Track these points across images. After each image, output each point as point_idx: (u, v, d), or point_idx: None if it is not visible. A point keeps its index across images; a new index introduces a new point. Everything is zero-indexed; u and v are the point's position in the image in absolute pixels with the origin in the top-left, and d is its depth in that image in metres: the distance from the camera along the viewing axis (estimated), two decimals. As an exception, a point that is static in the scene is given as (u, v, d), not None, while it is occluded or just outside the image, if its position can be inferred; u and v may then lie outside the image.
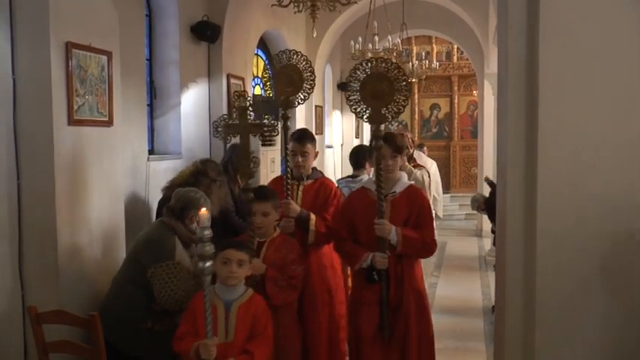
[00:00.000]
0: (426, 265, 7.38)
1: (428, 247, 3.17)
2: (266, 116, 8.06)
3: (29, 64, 3.02)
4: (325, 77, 10.25)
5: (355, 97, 3.01)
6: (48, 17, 2.99)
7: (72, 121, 3.14)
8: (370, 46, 7.49)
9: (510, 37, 2.62)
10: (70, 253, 3.17)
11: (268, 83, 8.27)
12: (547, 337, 2.54)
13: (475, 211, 7.07)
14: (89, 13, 3.33)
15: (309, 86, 3.44)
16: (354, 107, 3.02)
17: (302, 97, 3.46)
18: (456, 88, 13.87)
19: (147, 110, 5.00)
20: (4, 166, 3.00)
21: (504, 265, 2.75)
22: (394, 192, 3.19)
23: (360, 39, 7.58)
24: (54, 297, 3.07)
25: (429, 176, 5.92)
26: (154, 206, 4.68)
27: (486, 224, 8.46)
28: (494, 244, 6.07)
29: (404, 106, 2.95)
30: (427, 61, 9.48)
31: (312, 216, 3.45)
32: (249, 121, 3.00)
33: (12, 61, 3.02)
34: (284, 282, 3.04)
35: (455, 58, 13.76)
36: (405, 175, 3.35)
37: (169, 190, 3.62)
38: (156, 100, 5.34)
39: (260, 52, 7.82)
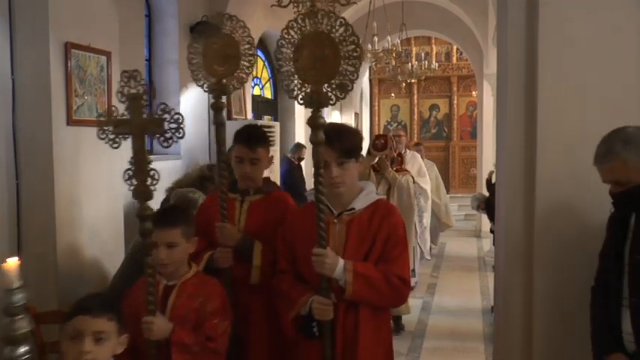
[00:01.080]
0: (426, 265, 7.43)
1: (395, 290, 2.17)
2: (266, 117, 8.08)
3: (29, 64, 3.02)
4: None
5: (288, 68, 2.06)
6: (47, 17, 2.99)
7: (71, 121, 3.14)
8: (370, 46, 7.50)
9: (510, 37, 2.62)
10: (69, 253, 3.17)
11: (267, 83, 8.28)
12: (546, 337, 2.54)
13: (475, 210, 6.88)
14: (88, 14, 3.33)
15: (247, 63, 2.47)
16: (286, 84, 2.08)
17: (239, 77, 2.50)
18: (455, 88, 13.88)
19: (146, 111, 5.00)
20: (4, 166, 3.00)
21: (503, 265, 2.76)
22: (352, 209, 2.25)
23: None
24: (53, 297, 3.07)
25: (414, 181, 5.40)
26: (153, 206, 4.68)
27: (485, 225, 8.47)
28: (494, 244, 6.07)
29: (353, 81, 1.98)
30: (426, 62, 9.49)
31: (258, 245, 2.53)
32: (145, 115, 2.06)
33: (11, 62, 3.02)
34: (198, 347, 2.17)
35: (454, 58, 13.78)
36: (370, 186, 2.38)
37: (173, 191, 3.63)
38: (155, 100, 5.35)
39: (259, 53, 7.82)
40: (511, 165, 2.65)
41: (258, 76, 7.90)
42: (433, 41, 13.49)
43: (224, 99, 2.53)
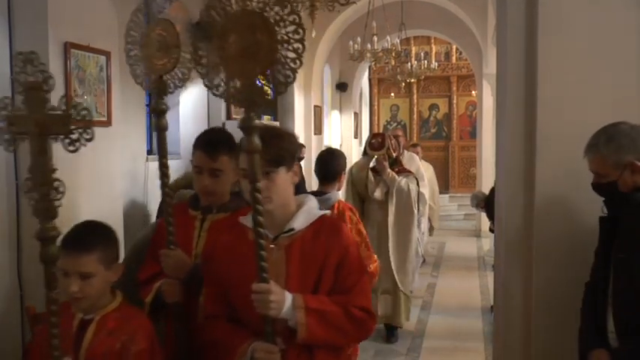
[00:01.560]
0: (425, 265, 7.42)
1: (358, 324, 1.83)
2: (266, 117, 8.07)
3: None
4: (324, 77, 10.26)
5: (212, 58, 1.64)
6: (47, 17, 2.99)
7: (70, 121, 3.14)
8: (369, 46, 7.49)
9: (509, 37, 2.62)
10: (68, 254, 3.17)
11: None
12: (545, 337, 2.54)
13: (474, 208, 6.55)
14: (88, 14, 3.33)
15: (189, 55, 1.91)
16: (208, 78, 1.65)
17: (181, 74, 2.00)
18: (454, 88, 13.88)
19: (145, 110, 5.00)
20: (3, 166, 3.00)
21: (503, 264, 2.76)
22: (291, 230, 1.85)
23: (358, 39, 7.59)
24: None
25: (418, 184, 4.97)
26: (152, 207, 4.69)
27: (485, 224, 8.47)
28: (493, 244, 6.01)
29: (295, 70, 1.56)
30: (426, 62, 9.50)
31: None
32: (48, 110, 1.59)
33: (10, 62, 3.02)
34: None
35: (454, 58, 13.77)
36: (311, 201, 1.96)
37: (172, 190, 3.62)
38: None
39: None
40: (510, 164, 2.65)
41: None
42: (432, 41, 13.48)
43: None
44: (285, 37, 1.54)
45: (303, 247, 1.85)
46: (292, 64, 1.55)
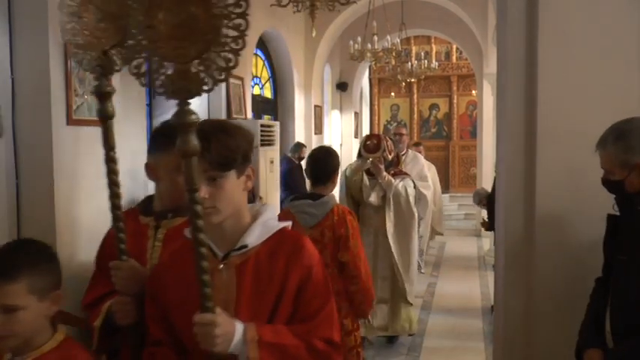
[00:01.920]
0: (425, 265, 7.41)
1: (321, 358, 1.56)
2: (266, 117, 8.08)
3: (28, 64, 3.02)
4: (324, 77, 10.27)
5: (136, 40, 1.32)
6: (47, 17, 2.99)
7: (71, 121, 3.14)
8: (369, 45, 7.50)
9: (509, 36, 2.62)
10: (69, 254, 3.16)
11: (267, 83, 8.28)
12: (546, 337, 2.54)
13: (477, 205, 6.30)
14: (88, 13, 3.33)
15: (136, 31, 1.41)
16: (135, 65, 1.34)
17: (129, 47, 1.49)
18: (455, 88, 13.88)
19: (146, 110, 5.00)
20: (3, 166, 3.00)
21: (503, 265, 2.76)
22: (243, 247, 1.58)
23: (359, 39, 7.59)
24: (53, 297, 3.06)
25: (415, 186, 4.75)
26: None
27: (485, 224, 8.46)
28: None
29: (237, 51, 1.27)
30: (426, 61, 9.49)
31: None
32: None
33: (10, 61, 3.02)
34: None
35: (454, 58, 13.78)
36: (268, 211, 1.67)
37: None
38: (155, 99, 5.35)
39: (259, 52, 7.83)
40: (511, 164, 2.65)
41: (258, 75, 7.91)
42: (433, 40, 13.49)
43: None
44: (225, 12, 1.26)
45: (257, 267, 1.57)
46: (234, 45, 1.27)
